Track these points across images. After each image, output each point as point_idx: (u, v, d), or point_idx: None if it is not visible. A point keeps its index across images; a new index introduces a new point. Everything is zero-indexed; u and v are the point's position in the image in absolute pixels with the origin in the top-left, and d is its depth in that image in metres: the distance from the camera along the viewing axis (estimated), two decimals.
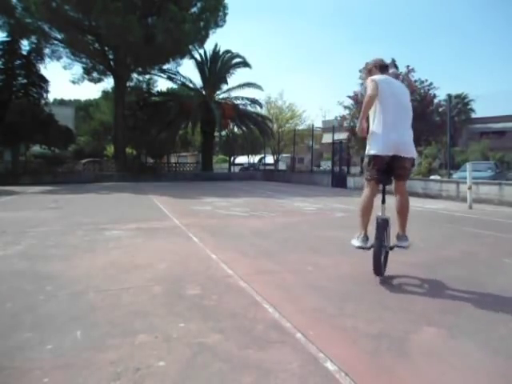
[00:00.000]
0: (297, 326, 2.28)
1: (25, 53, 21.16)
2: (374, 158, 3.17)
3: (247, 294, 2.88)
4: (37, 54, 21.32)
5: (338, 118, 16.41)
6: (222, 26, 22.56)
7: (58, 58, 22.56)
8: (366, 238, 3.16)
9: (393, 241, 3.31)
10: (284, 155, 29.70)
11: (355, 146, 16.09)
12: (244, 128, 25.22)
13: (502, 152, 26.08)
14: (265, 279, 3.22)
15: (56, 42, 21.56)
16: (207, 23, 21.56)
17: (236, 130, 26.81)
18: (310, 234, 5.35)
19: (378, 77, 3.28)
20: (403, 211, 3.28)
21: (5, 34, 20.44)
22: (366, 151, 3.26)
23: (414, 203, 9.88)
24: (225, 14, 22.41)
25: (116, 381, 1.70)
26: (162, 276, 3.31)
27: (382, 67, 3.48)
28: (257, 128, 24.51)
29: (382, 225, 3.12)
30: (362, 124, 3.13)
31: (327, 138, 30.26)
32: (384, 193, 3.36)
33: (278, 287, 2.99)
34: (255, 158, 33.24)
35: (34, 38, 20.90)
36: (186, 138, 30.13)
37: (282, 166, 27.76)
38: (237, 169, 31.05)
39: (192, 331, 2.21)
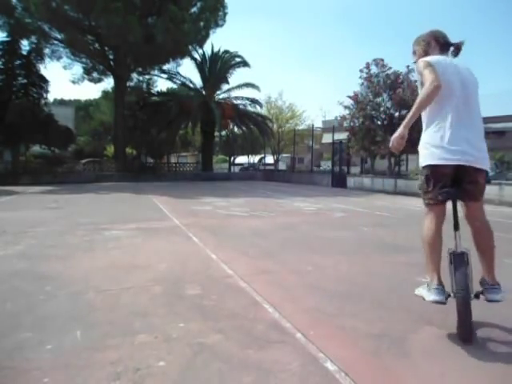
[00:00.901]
0: (297, 326, 2.27)
1: (25, 53, 21.15)
2: (434, 171, 2.24)
3: (247, 294, 2.88)
4: (37, 53, 21.30)
5: (338, 118, 16.38)
6: (221, 25, 22.58)
7: (58, 58, 22.59)
8: (441, 286, 2.18)
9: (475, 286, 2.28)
10: (284, 155, 29.69)
11: (355, 145, 16.07)
12: (244, 128, 25.22)
13: (501, 152, 26.09)
14: (265, 279, 3.21)
15: (56, 41, 21.56)
16: (207, 23, 21.56)
17: (236, 129, 26.80)
18: (310, 234, 5.35)
19: (438, 58, 2.31)
20: (487, 246, 2.39)
21: (5, 34, 20.45)
22: (420, 163, 2.33)
23: (414, 203, 9.91)
24: (225, 14, 22.42)
25: (116, 381, 1.70)
26: (161, 276, 3.31)
27: (444, 44, 2.44)
28: (257, 128, 24.51)
29: (460, 262, 2.17)
30: (403, 133, 2.19)
31: (327, 138, 30.25)
32: (456, 214, 2.33)
33: (278, 287, 2.99)
34: (255, 158, 33.23)
35: (34, 38, 20.89)
36: (186, 138, 30.15)
37: (281, 166, 27.76)
38: (237, 169, 31.05)
39: (192, 331, 2.21)
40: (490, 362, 1.91)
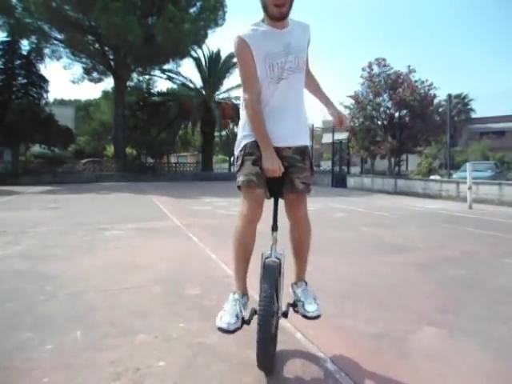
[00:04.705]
0: (297, 325, 2.27)
1: (25, 53, 21.18)
2: None
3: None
4: (37, 53, 21.32)
5: None
6: (221, 25, 22.54)
7: (58, 58, 22.55)
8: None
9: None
10: None
11: (355, 145, 16.07)
12: None
13: (502, 152, 26.09)
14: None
15: (56, 41, 21.54)
16: (207, 23, 21.55)
17: (236, 129, 26.78)
18: None
19: None
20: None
21: (5, 34, 20.47)
22: None
23: (414, 203, 9.91)
24: (224, 13, 22.39)
25: (116, 381, 1.70)
26: (161, 276, 3.31)
27: None
28: None
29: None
30: None
31: (327, 138, 30.24)
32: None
33: None
34: None
35: (34, 38, 20.86)
36: (186, 138, 30.11)
37: None
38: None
39: (192, 331, 2.21)
40: (491, 362, 1.91)
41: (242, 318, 1.71)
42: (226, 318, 1.69)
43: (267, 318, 1.60)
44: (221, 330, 1.68)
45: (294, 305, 1.95)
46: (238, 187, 1.81)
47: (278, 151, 1.79)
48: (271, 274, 1.74)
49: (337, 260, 3.90)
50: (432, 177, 16.58)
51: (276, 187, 1.84)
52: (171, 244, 4.68)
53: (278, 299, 1.79)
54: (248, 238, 1.82)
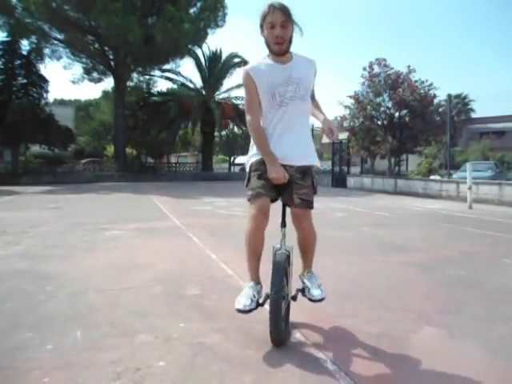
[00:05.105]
0: (297, 325, 2.27)
1: (25, 53, 21.17)
2: None
3: None
4: (37, 54, 21.31)
5: (338, 118, 16.38)
6: (221, 25, 22.53)
7: (58, 58, 22.54)
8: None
9: None
10: None
11: (355, 145, 16.07)
12: (244, 128, 25.18)
13: (501, 152, 26.09)
14: (265, 279, 3.21)
15: (56, 41, 21.53)
16: (207, 23, 21.53)
17: (236, 129, 26.78)
18: None
19: None
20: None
21: (5, 34, 20.46)
22: None
23: (414, 203, 9.91)
24: (224, 14, 22.37)
25: (116, 381, 1.70)
26: (162, 276, 3.31)
27: None
28: None
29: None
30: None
31: (327, 138, 30.18)
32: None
33: None
34: None
35: (34, 38, 20.86)
36: (186, 138, 30.09)
37: None
38: (237, 169, 31.02)
39: (192, 331, 2.21)
40: (491, 362, 1.91)
41: (257, 301, 2.04)
42: (242, 301, 2.03)
43: (278, 300, 1.92)
44: (239, 311, 2.01)
45: (302, 290, 2.25)
46: (248, 200, 2.05)
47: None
48: (281, 264, 2.00)
49: (337, 260, 3.90)
50: (432, 177, 16.60)
51: (284, 192, 2.11)
52: (171, 244, 4.68)
53: (287, 285, 2.10)
54: (257, 240, 2.07)
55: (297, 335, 2.17)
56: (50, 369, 1.80)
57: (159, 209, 8.44)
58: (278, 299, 1.92)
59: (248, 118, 2.10)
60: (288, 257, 2.12)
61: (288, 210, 2.15)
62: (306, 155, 2.15)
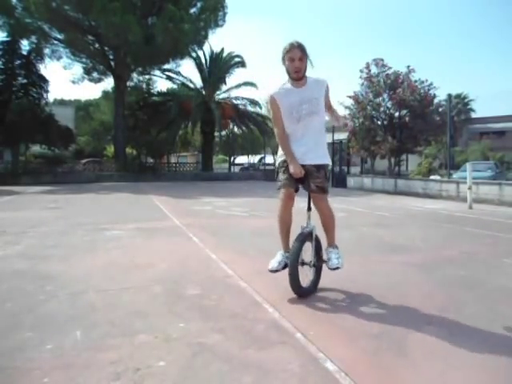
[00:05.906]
0: (297, 326, 2.27)
1: (25, 53, 21.12)
2: None
3: (247, 293, 2.89)
4: (37, 54, 21.27)
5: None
6: (221, 25, 22.50)
7: (58, 58, 22.52)
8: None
9: None
10: None
11: (355, 145, 16.06)
12: (244, 128, 25.20)
13: (502, 152, 26.08)
14: (265, 279, 3.21)
15: (56, 41, 21.51)
16: (207, 23, 21.50)
17: (236, 129, 26.78)
18: None
19: None
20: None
21: (5, 34, 20.43)
22: None
23: (414, 203, 9.91)
24: (224, 14, 22.33)
25: (116, 381, 1.70)
26: (161, 276, 3.31)
27: None
28: (257, 128, 24.48)
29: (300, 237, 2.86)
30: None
31: (327, 138, 30.23)
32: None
33: (278, 287, 2.98)
34: (255, 158, 33.18)
35: (34, 38, 20.83)
36: (186, 138, 30.07)
37: None
38: (237, 169, 31.01)
39: (192, 331, 2.21)
40: (491, 362, 1.91)
41: (284, 265, 2.77)
42: (272, 263, 2.81)
43: (293, 262, 2.65)
44: (270, 271, 2.81)
45: (325, 261, 2.89)
46: (278, 188, 2.80)
47: (302, 166, 2.70)
48: (300, 237, 2.72)
49: None
50: (432, 177, 16.59)
51: (304, 182, 2.78)
52: (171, 244, 4.68)
53: (312, 254, 2.83)
54: (286, 216, 2.79)
55: (297, 335, 2.17)
56: (50, 369, 1.80)
57: (159, 209, 8.44)
58: (293, 262, 2.64)
59: (276, 130, 2.80)
60: (310, 233, 2.79)
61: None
62: (319, 156, 2.79)
